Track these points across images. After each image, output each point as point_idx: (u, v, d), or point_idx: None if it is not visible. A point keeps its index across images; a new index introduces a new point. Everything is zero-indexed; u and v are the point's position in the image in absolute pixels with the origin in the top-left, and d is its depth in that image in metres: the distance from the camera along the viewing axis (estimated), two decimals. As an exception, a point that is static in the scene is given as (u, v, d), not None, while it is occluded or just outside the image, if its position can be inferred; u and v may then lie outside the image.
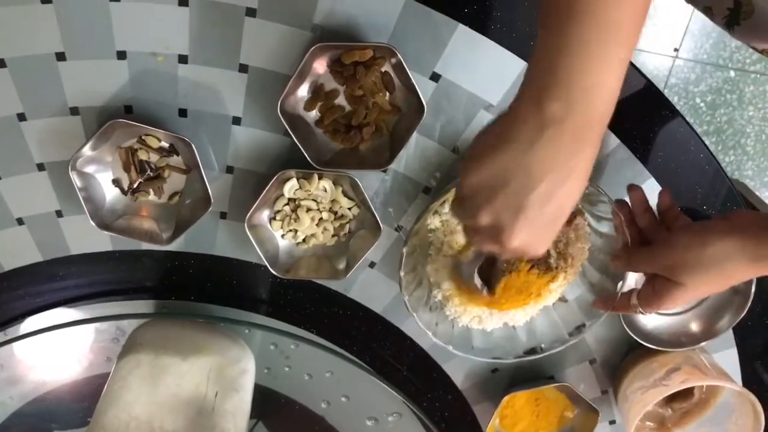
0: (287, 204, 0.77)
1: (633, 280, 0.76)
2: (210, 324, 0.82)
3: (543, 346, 0.79)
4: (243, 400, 0.75)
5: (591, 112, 0.45)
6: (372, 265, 0.83)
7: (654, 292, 0.68)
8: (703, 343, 0.84)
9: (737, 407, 0.84)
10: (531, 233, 0.50)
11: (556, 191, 0.48)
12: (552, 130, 0.45)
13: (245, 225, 0.74)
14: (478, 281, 0.74)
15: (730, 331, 0.87)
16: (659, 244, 0.67)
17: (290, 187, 0.75)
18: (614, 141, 0.76)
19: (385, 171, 0.77)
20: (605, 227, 0.75)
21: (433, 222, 0.75)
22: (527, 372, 0.90)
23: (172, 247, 0.80)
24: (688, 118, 1.69)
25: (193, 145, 0.71)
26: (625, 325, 0.82)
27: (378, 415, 0.90)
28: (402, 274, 0.72)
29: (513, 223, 0.49)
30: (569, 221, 0.75)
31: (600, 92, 0.44)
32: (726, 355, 0.89)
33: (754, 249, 0.59)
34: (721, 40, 1.66)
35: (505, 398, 0.85)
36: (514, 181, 0.47)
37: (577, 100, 0.44)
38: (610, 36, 0.43)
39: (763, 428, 0.81)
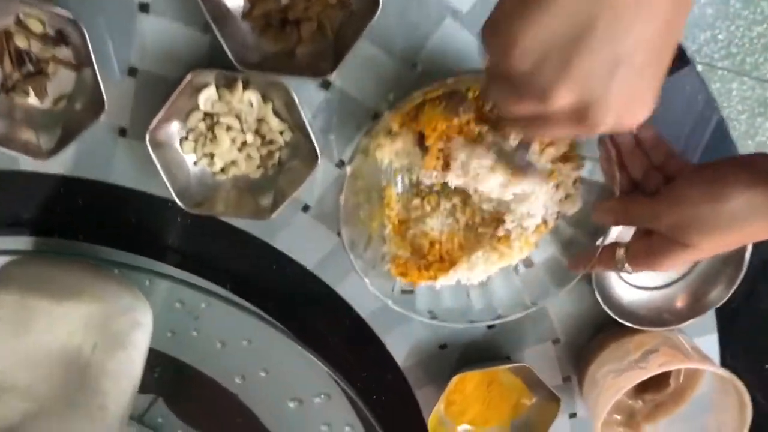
0: (203, 120, 0.62)
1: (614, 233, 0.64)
2: (99, 267, 0.66)
3: (500, 311, 0.66)
4: (131, 360, 0.59)
5: None
6: (306, 208, 0.69)
7: (649, 250, 0.56)
8: (682, 324, 0.72)
9: (718, 401, 0.72)
10: (633, 93, 0.36)
11: (662, 14, 0.33)
12: None
13: (147, 140, 0.59)
14: None
15: (711, 315, 0.76)
16: (662, 196, 0.55)
17: (207, 98, 0.61)
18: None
19: (327, 88, 0.63)
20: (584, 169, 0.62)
21: (383, 154, 0.62)
22: (480, 350, 0.77)
23: (57, 170, 0.65)
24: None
25: (86, 32, 0.56)
26: (598, 296, 0.70)
27: (302, 395, 0.76)
28: (342, 201, 0.58)
29: (607, 89, 0.35)
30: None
31: None
32: (704, 342, 0.78)
33: None
34: (691, 32, 1.58)
35: (453, 379, 0.72)
36: (601, 21, 0.33)
37: None
38: None
39: (749, 424, 0.70)
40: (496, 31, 0.36)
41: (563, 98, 0.35)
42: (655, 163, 0.58)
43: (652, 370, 0.67)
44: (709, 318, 0.76)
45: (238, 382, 0.75)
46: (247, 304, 0.72)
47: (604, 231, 0.61)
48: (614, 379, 0.70)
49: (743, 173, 0.50)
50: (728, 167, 0.52)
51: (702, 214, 0.51)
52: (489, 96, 0.44)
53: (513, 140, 0.59)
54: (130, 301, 0.63)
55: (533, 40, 0.34)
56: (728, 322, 0.77)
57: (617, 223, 0.58)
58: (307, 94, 0.63)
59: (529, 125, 0.40)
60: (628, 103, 0.36)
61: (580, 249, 0.63)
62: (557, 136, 0.45)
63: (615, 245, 0.60)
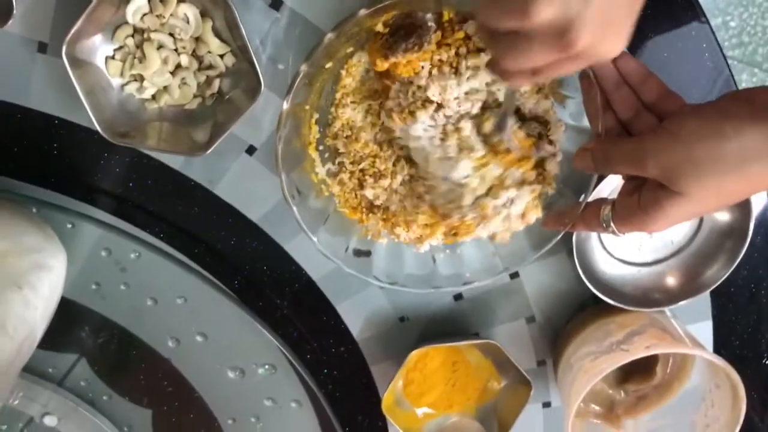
0: (132, 36, 0.54)
1: (607, 189, 0.55)
2: (12, 203, 0.58)
3: (468, 276, 0.58)
4: (29, 304, 0.51)
5: None
6: (251, 150, 0.61)
7: (639, 205, 0.47)
8: (673, 306, 0.64)
9: (708, 394, 0.64)
10: (609, 19, 0.37)
11: None
12: None
13: (63, 55, 0.51)
14: None
15: (706, 299, 0.68)
16: (653, 134, 0.47)
17: (136, 9, 0.52)
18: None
19: (277, 9, 0.55)
20: (566, 111, 0.54)
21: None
22: (445, 325, 0.68)
23: (-35, 88, 0.57)
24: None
25: None
26: (579, 269, 0.61)
27: (244, 365, 0.68)
28: (281, 137, 0.50)
29: (585, 6, 0.36)
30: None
31: None
32: (696, 329, 0.69)
33: None
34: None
35: (413, 354, 0.64)
36: None
37: None
38: None
39: (741, 421, 0.61)
40: None
41: (543, 12, 0.36)
42: (645, 102, 0.50)
43: (637, 353, 0.59)
44: (704, 302, 0.68)
45: (171, 345, 0.67)
46: (183, 258, 0.64)
47: (588, 183, 0.53)
48: (592, 361, 0.61)
49: (743, 108, 0.42)
50: (726, 102, 0.44)
51: (695, 155, 0.43)
52: (473, 7, 0.46)
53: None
54: (38, 242, 0.55)
55: None
56: (724, 309, 0.69)
57: (597, 170, 0.50)
58: (253, 14, 0.55)
59: (509, 47, 0.40)
60: (603, 27, 0.37)
61: (559, 205, 0.55)
62: (535, 63, 0.40)
63: (601, 202, 0.52)
